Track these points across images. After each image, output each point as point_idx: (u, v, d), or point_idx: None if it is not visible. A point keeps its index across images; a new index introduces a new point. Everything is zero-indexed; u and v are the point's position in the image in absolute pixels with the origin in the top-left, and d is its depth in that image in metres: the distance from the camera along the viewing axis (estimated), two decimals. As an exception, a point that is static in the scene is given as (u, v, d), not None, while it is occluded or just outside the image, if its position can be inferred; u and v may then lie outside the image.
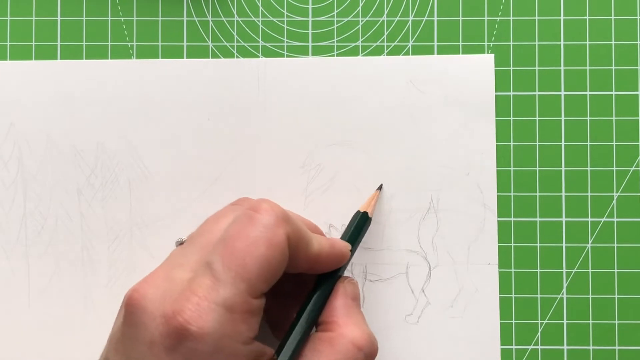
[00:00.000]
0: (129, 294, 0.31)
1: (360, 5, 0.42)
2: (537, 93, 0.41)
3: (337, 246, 0.35)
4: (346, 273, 0.40)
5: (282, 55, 0.42)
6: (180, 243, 0.35)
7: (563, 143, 0.41)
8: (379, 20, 0.42)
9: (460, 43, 0.42)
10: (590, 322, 0.41)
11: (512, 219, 0.41)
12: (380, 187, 0.40)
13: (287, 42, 0.42)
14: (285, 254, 0.32)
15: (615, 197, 0.41)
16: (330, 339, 0.33)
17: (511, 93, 0.41)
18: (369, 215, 0.39)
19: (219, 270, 0.31)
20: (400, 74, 0.41)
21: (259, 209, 0.32)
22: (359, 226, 0.38)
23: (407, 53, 0.42)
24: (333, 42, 0.42)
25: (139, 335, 0.30)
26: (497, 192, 0.41)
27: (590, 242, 0.41)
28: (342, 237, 0.37)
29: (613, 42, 0.41)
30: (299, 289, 0.37)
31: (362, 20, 0.42)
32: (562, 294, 0.41)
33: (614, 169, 0.41)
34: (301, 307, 0.35)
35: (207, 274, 0.31)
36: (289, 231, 0.32)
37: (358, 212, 0.39)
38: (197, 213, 0.41)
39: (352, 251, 0.37)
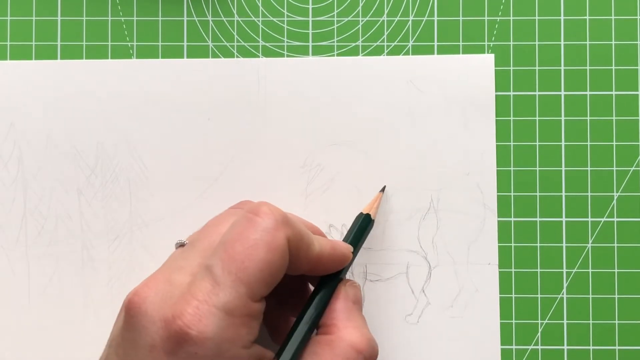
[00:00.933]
0: (129, 298, 0.31)
1: (360, 5, 0.42)
2: (537, 93, 0.41)
3: (339, 248, 0.35)
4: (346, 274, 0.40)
5: (282, 55, 0.42)
6: (181, 245, 0.35)
7: (563, 143, 0.41)
8: (379, 20, 0.42)
9: (460, 43, 0.42)
10: (590, 322, 0.41)
11: (512, 219, 0.41)
12: (383, 189, 0.40)
13: (287, 42, 0.42)
14: (285, 257, 0.32)
15: (615, 197, 0.41)
16: (329, 341, 0.33)
17: (511, 93, 0.41)
18: (372, 217, 0.38)
19: (219, 273, 0.30)
20: (400, 74, 0.41)
21: (259, 212, 0.32)
22: (361, 228, 0.38)
23: (407, 53, 0.42)
24: (333, 42, 0.42)
25: (139, 339, 0.30)
26: (497, 192, 0.41)
27: (590, 242, 0.41)
28: (345, 239, 0.37)
29: (613, 42, 0.41)
30: (297, 292, 0.37)
31: (362, 20, 0.42)
32: (562, 294, 0.41)
33: (614, 169, 0.41)
34: (302, 310, 0.34)
35: (207, 277, 0.31)
36: (289, 234, 0.32)
37: (361, 214, 0.38)
38: (197, 213, 0.41)
39: (354, 253, 0.37)
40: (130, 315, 0.31)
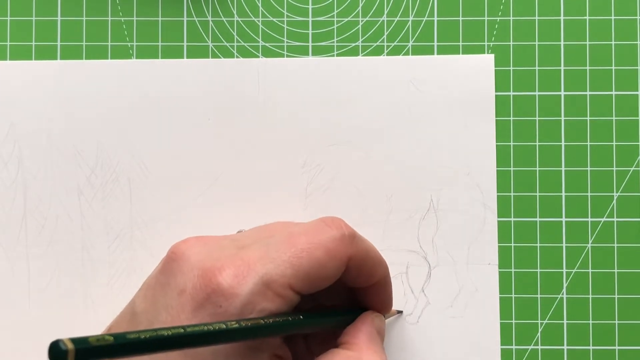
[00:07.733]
0: (175, 244, 0.32)
1: (360, 5, 0.42)
2: (537, 93, 0.41)
3: (391, 296, 0.37)
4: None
5: (282, 55, 0.42)
6: (239, 231, 0.36)
7: (563, 143, 0.41)
8: (379, 20, 0.42)
9: (460, 43, 0.42)
10: (590, 322, 0.41)
11: (512, 219, 0.41)
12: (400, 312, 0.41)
13: (287, 42, 0.42)
14: (338, 269, 0.32)
15: (615, 197, 0.41)
16: (348, 357, 0.33)
17: (511, 93, 0.41)
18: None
19: (273, 249, 0.31)
20: (400, 74, 0.41)
21: (332, 223, 0.33)
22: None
23: (407, 53, 0.42)
24: (333, 42, 0.42)
25: (172, 282, 0.31)
26: (497, 192, 0.41)
27: (590, 242, 0.41)
28: None
29: (613, 42, 0.41)
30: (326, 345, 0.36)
31: (362, 20, 0.42)
32: (562, 294, 0.41)
33: (614, 169, 0.41)
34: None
35: (261, 249, 0.31)
36: (351, 252, 0.33)
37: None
38: (197, 213, 0.41)
39: (385, 316, 0.37)
40: (171, 259, 0.31)
